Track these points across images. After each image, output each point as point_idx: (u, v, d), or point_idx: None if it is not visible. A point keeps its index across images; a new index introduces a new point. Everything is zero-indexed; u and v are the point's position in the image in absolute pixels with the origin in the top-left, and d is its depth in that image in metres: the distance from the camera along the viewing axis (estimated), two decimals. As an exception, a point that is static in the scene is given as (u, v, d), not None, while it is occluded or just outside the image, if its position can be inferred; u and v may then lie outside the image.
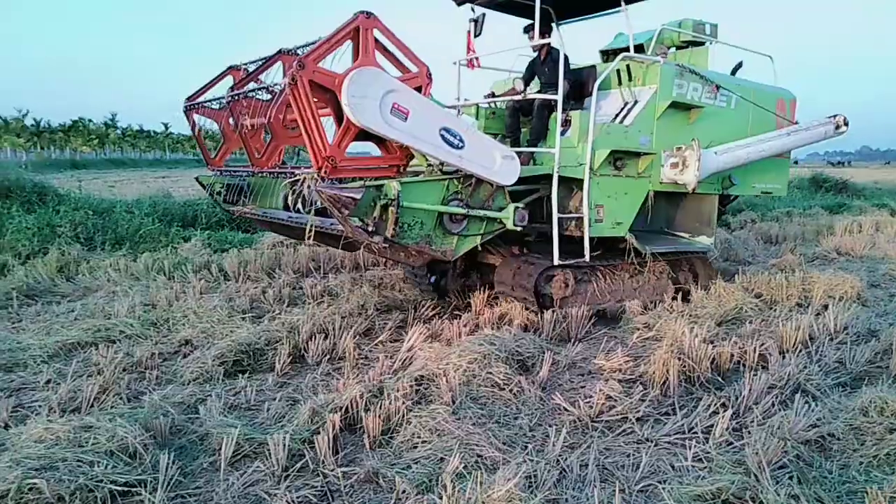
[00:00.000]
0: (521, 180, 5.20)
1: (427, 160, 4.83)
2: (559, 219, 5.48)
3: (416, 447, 3.40)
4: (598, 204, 5.73)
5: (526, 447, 3.45)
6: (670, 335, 4.89)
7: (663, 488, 2.95)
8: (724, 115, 6.53)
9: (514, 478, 2.76)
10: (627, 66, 6.06)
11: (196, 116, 6.16)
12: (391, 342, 5.32)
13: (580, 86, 6.39)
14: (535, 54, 6.48)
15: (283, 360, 4.70)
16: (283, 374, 4.62)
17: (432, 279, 6.79)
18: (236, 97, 5.42)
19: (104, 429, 3.22)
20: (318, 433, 3.38)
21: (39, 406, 3.90)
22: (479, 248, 5.35)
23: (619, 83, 6.17)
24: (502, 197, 5.12)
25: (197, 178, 6.99)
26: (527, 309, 5.85)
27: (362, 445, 3.45)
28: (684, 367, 4.44)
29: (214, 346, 4.86)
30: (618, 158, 5.80)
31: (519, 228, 5.14)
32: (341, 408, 3.69)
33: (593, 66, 6.58)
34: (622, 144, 5.75)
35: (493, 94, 6.86)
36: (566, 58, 5.86)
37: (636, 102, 5.94)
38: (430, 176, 4.82)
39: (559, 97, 5.58)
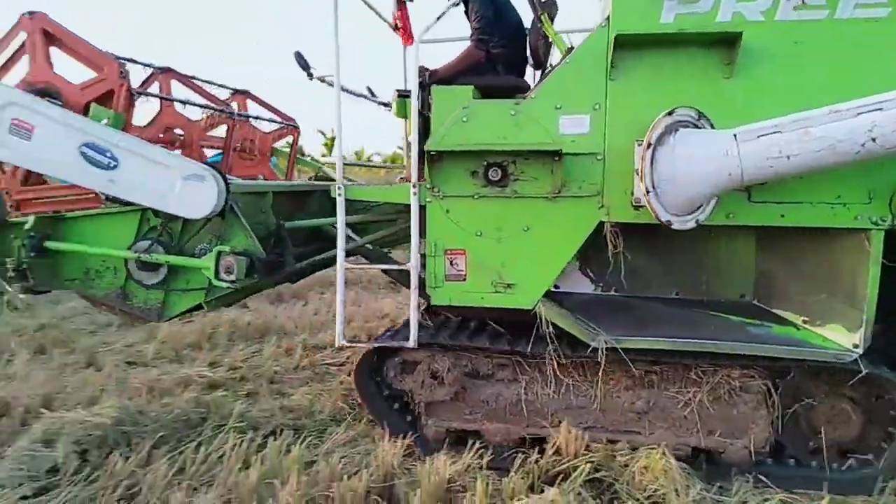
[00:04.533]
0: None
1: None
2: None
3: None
4: (452, 248, 3.23)
5: None
6: None
7: None
8: (859, 47, 2.75)
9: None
10: None
11: None
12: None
13: (527, 47, 3.65)
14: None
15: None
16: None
17: None
18: None
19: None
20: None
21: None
22: None
23: (539, 23, 3.50)
24: (241, 234, 3.50)
25: None
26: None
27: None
28: None
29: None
30: (493, 165, 3.13)
31: (224, 285, 3.40)
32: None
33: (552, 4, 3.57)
34: (495, 138, 3.09)
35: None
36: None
37: (570, 50, 3.26)
38: (111, 207, 3.73)
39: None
